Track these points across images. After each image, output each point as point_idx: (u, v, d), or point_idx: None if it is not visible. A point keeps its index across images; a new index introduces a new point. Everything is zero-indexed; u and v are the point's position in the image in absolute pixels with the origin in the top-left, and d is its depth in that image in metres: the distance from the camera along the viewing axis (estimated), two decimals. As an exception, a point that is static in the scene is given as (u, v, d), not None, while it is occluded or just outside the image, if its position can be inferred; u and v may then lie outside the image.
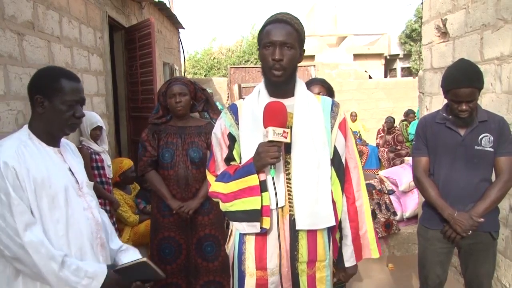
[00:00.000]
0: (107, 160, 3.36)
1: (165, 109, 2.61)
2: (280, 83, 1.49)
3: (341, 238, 1.64)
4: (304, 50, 1.56)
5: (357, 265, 1.67)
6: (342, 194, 1.58)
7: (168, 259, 2.56)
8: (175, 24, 8.89)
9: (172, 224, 2.55)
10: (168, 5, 7.63)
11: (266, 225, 1.46)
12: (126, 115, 5.47)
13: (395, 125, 8.55)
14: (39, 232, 1.38)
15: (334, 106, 1.59)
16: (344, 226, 1.61)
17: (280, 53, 1.44)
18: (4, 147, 1.42)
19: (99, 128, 3.31)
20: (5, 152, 1.39)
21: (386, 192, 4.23)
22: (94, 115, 3.33)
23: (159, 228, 2.58)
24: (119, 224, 3.54)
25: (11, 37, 2.46)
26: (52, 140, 1.54)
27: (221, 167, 1.60)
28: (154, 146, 2.57)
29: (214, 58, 18.51)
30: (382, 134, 8.50)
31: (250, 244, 1.53)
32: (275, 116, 1.39)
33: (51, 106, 1.48)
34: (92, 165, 3.21)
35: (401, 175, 4.39)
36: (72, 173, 1.58)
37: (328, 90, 2.53)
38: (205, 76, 17.20)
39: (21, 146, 1.43)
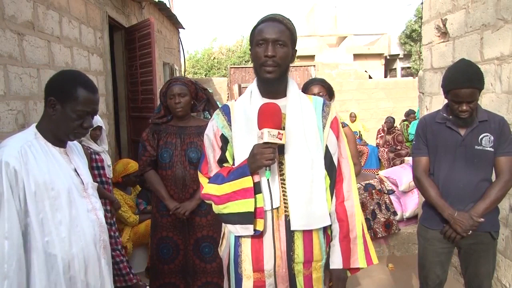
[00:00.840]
0: (107, 160, 3.36)
1: (167, 109, 2.61)
2: (273, 80, 1.47)
3: (331, 239, 1.60)
4: (296, 50, 1.55)
5: (345, 270, 1.57)
6: (332, 194, 1.56)
7: (166, 259, 2.57)
8: (175, 24, 8.90)
9: (170, 224, 2.55)
10: (168, 5, 7.63)
11: (259, 227, 1.44)
12: (126, 115, 5.47)
13: (395, 125, 8.55)
14: (11, 248, 1.33)
15: (325, 106, 1.58)
16: (333, 227, 1.57)
17: (273, 50, 1.43)
18: (8, 147, 1.42)
19: (99, 128, 3.30)
20: (8, 152, 1.39)
21: (386, 192, 4.23)
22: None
23: (158, 228, 2.58)
24: (119, 224, 3.54)
25: (11, 37, 2.46)
26: (58, 141, 1.55)
27: (214, 168, 1.58)
28: (154, 146, 2.57)
29: (214, 58, 18.53)
30: (382, 134, 8.49)
31: (246, 246, 1.51)
32: (270, 118, 1.38)
33: (61, 111, 1.48)
34: (92, 165, 3.21)
35: (401, 175, 4.39)
36: (78, 174, 1.58)
37: (328, 90, 2.53)
38: (205, 76, 17.21)
39: (25, 147, 1.43)
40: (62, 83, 1.51)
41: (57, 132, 1.52)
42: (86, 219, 1.53)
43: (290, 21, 1.52)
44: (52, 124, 1.51)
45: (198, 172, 1.66)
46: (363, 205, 4.07)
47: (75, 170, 1.58)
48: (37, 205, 1.40)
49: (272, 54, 1.43)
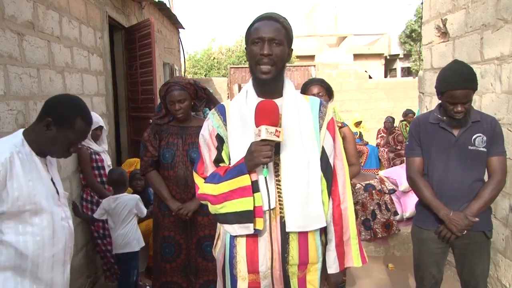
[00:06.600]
0: (107, 160, 3.36)
1: (168, 108, 2.61)
2: (268, 80, 1.46)
3: (326, 243, 1.59)
4: (292, 49, 1.54)
5: (342, 273, 1.59)
6: (329, 196, 1.55)
7: (168, 258, 2.58)
8: (175, 24, 8.89)
9: (172, 224, 2.56)
10: (168, 5, 7.63)
11: (259, 226, 1.43)
12: (126, 115, 5.47)
13: (394, 125, 8.54)
14: None
15: (322, 107, 1.56)
16: (328, 230, 1.56)
17: (269, 49, 1.42)
18: None
19: (99, 128, 3.31)
20: None
21: (387, 191, 4.23)
22: (96, 116, 3.33)
23: (160, 228, 2.60)
24: (119, 224, 3.53)
25: (11, 37, 2.46)
26: (41, 153, 1.60)
27: (210, 168, 1.56)
28: (155, 146, 2.57)
29: (214, 58, 18.51)
30: (383, 135, 8.48)
31: (241, 248, 1.49)
32: (268, 115, 1.37)
33: (55, 134, 1.54)
34: (93, 165, 3.21)
35: (401, 175, 4.38)
36: (54, 184, 1.64)
37: (327, 90, 2.54)
38: (205, 76, 17.20)
39: (14, 153, 1.48)
40: (64, 109, 1.56)
41: (42, 147, 1.58)
42: (61, 226, 1.61)
43: (286, 19, 1.50)
44: (41, 139, 1.56)
45: (194, 172, 1.64)
46: (363, 205, 4.07)
47: (52, 180, 1.64)
48: (19, 208, 1.46)
49: (268, 52, 1.42)
